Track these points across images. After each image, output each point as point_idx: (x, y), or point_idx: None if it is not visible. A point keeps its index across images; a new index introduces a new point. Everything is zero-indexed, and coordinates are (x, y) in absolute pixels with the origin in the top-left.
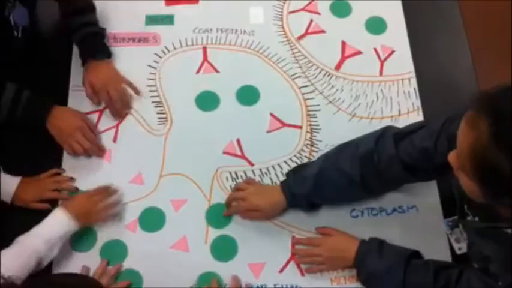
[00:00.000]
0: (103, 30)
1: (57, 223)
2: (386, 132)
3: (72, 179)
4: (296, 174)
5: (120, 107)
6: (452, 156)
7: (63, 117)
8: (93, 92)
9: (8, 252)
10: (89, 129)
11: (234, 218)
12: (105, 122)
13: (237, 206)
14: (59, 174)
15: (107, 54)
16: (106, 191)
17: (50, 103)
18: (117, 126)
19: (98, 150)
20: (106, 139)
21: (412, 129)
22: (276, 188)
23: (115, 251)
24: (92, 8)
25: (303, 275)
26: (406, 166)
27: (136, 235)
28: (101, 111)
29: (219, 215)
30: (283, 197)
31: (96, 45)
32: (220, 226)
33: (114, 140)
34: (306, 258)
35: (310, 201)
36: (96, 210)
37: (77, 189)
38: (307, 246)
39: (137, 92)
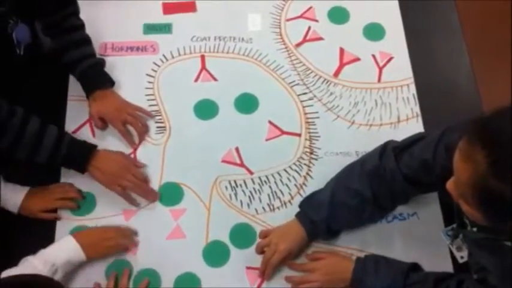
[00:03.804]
0: (102, 60)
1: (63, 248)
2: (387, 147)
3: (80, 191)
4: (310, 201)
5: (140, 129)
6: (450, 185)
7: (109, 159)
8: (104, 123)
9: (11, 270)
10: (135, 167)
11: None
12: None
13: (271, 264)
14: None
15: (111, 82)
16: (122, 231)
17: (92, 146)
18: (134, 151)
19: (150, 192)
20: None
21: (411, 142)
22: (294, 222)
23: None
24: (88, 40)
25: None
26: (407, 178)
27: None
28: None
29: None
30: (303, 229)
31: (100, 75)
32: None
33: None
34: (302, 285)
35: (330, 227)
36: (106, 245)
37: (84, 197)
38: (300, 272)
39: (150, 114)
